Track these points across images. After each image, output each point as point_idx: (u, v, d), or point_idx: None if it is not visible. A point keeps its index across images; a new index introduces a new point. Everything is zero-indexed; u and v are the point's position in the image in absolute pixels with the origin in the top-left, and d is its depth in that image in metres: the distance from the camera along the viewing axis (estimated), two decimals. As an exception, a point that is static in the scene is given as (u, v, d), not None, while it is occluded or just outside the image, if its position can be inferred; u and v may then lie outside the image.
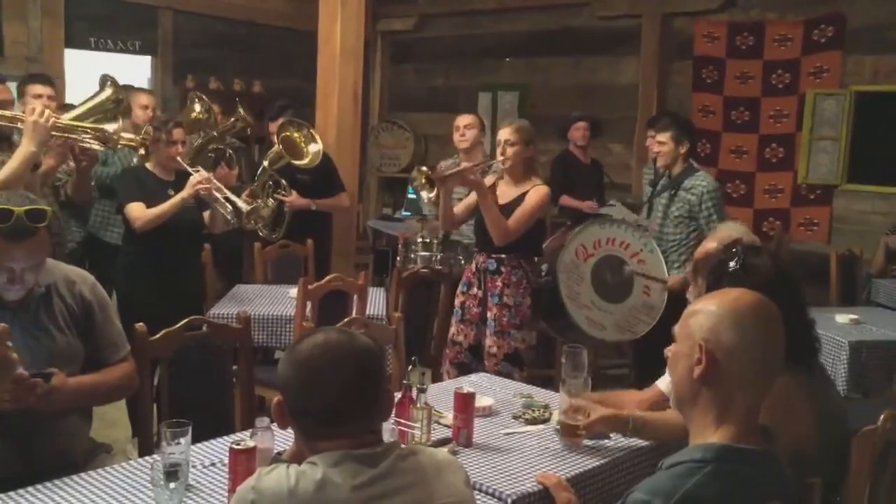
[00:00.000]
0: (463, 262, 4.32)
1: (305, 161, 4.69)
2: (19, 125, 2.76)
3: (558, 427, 2.31)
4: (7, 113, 2.95)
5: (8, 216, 2.06)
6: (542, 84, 7.15)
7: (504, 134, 3.76)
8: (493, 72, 7.47)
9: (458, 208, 3.97)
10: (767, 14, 6.09)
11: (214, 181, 3.78)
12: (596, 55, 6.80)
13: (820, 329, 3.88)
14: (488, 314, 3.79)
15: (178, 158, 3.79)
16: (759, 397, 1.49)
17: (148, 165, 3.79)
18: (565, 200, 5.63)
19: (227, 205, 3.79)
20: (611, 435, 2.36)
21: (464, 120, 4.75)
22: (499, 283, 3.77)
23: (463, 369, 3.80)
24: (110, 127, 2.98)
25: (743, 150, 6.24)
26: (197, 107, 4.55)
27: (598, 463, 2.18)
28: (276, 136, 4.70)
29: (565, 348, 2.48)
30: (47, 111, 2.72)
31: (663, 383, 2.43)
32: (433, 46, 7.90)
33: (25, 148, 2.67)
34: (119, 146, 3.25)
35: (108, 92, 3.68)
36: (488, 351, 3.77)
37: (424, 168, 3.77)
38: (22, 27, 5.94)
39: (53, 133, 2.73)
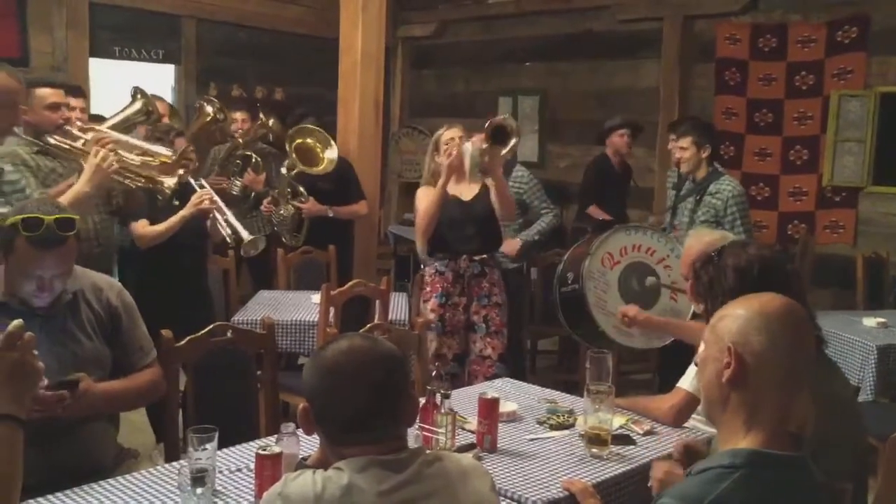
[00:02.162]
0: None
1: (320, 168, 4.70)
2: (81, 160, 2.80)
3: (583, 433, 2.30)
4: (76, 145, 2.99)
5: (38, 225, 2.09)
6: (562, 88, 7.13)
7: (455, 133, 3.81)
8: (513, 76, 7.47)
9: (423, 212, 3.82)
10: (790, 16, 6.03)
11: (218, 201, 3.77)
12: (617, 58, 6.77)
13: (847, 332, 3.88)
14: (475, 318, 3.77)
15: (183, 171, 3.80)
16: (788, 402, 1.47)
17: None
18: (594, 211, 5.57)
19: (227, 227, 3.78)
20: (637, 440, 2.34)
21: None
22: (485, 285, 3.77)
23: (453, 381, 3.75)
24: (168, 180, 3.02)
25: (767, 152, 6.19)
26: (208, 109, 4.58)
27: (624, 469, 2.17)
28: (288, 144, 4.73)
29: (590, 354, 2.48)
30: (112, 156, 2.75)
31: (686, 383, 2.41)
32: (453, 52, 7.91)
33: (80, 187, 2.71)
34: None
35: (138, 105, 3.73)
36: (481, 354, 3.74)
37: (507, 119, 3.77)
38: (47, 38, 6.02)
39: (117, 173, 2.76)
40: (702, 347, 1.57)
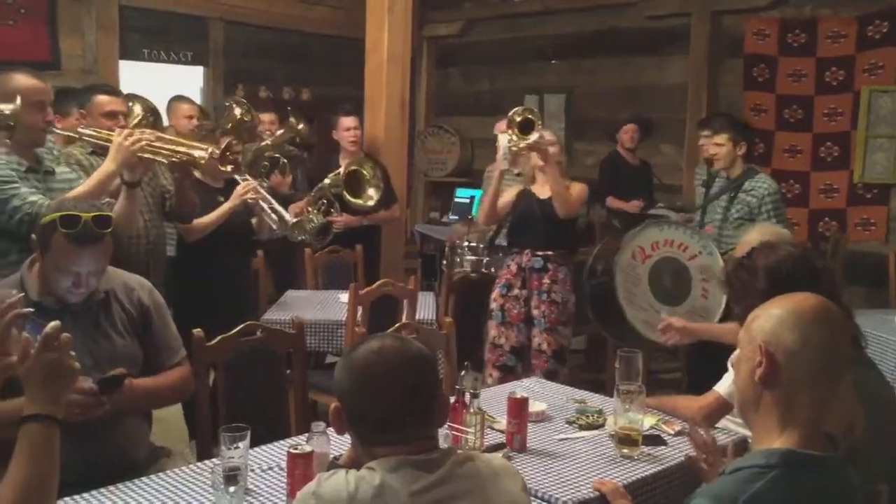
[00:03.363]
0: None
1: (357, 203, 4.63)
2: (107, 144, 2.85)
3: (614, 433, 2.29)
4: (99, 133, 3.03)
5: (76, 222, 2.13)
6: (588, 86, 7.10)
7: (546, 134, 3.93)
8: (538, 74, 7.45)
9: (500, 204, 4.02)
10: (820, 10, 5.96)
11: (261, 190, 3.83)
12: (644, 55, 6.73)
13: (879, 331, 3.83)
14: (535, 312, 3.82)
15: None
16: (823, 402, 1.46)
17: (197, 174, 3.86)
18: (612, 202, 5.59)
19: (273, 214, 3.84)
20: (668, 441, 2.33)
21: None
22: (546, 281, 3.80)
23: (506, 371, 3.83)
24: (197, 152, 3.04)
25: (797, 149, 6.12)
26: (237, 111, 4.61)
27: (655, 469, 2.16)
28: (352, 132, 4.73)
29: (619, 353, 2.47)
30: (136, 134, 2.79)
31: (722, 388, 2.39)
32: (478, 50, 7.91)
33: (106, 166, 2.75)
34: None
35: (136, 109, 3.79)
36: (538, 349, 3.79)
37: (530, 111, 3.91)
38: (78, 40, 6.09)
39: (141, 155, 2.78)
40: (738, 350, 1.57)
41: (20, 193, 2.63)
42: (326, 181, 4.78)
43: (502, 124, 3.99)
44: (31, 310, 1.65)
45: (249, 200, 3.74)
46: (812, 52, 5.99)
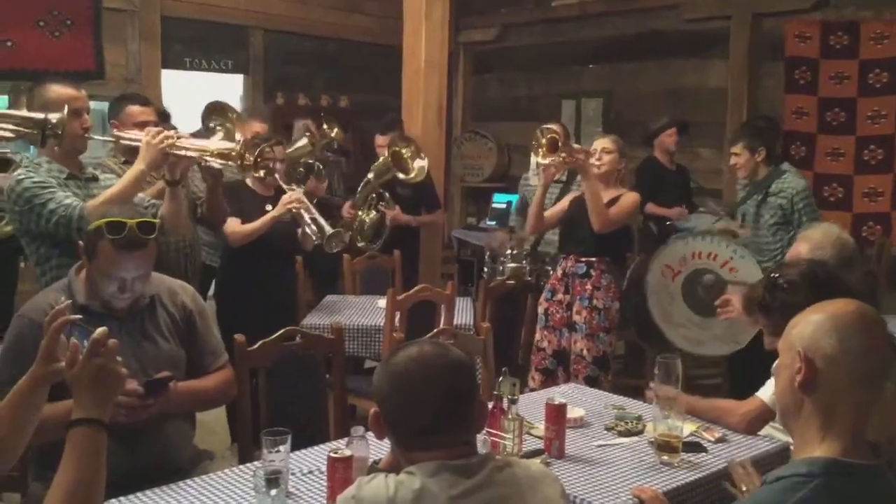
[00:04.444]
0: (551, 271, 4.29)
1: (411, 176, 4.78)
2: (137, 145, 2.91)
3: (653, 440, 2.28)
4: (130, 135, 3.10)
5: (121, 228, 2.17)
6: (627, 90, 7.05)
7: (602, 143, 3.89)
8: (575, 79, 7.42)
9: (547, 214, 4.01)
10: (862, 12, 5.86)
11: (306, 201, 3.89)
12: (683, 58, 6.67)
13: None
14: (577, 318, 3.81)
15: (277, 176, 3.92)
16: (864, 409, 1.45)
17: (247, 180, 3.92)
18: (652, 208, 5.54)
19: (313, 225, 3.89)
20: (708, 448, 2.31)
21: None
22: (588, 287, 3.79)
23: (548, 375, 3.85)
24: (227, 145, 3.09)
25: (840, 152, 6.02)
26: (304, 140, 4.67)
27: (695, 477, 2.14)
28: (385, 150, 4.81)
29: (658, 358, 2.45)
30: (163, 133, 2.84)
31: (765, 395, 2.36)
32: (515, 56, 7.90)
33: (136, 167, 2.80)
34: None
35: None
36: (578, 354, 3.78)
37: (553, 127, 3.92)
38: (121, 50, 6.22)
39: (171, 154, 2.84)
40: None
41: (56, 197, 2.69)
42: (370, 175, 4.84)
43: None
44: (80, 316, 1.69)
45: (293, 210, 3.81)
46: (855, 55, 5.89)
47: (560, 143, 3.80)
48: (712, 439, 2.37)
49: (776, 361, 1.57)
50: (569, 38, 7.41)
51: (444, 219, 6.11)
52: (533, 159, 3.98)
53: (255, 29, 6.94)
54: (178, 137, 2.90)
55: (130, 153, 3.37)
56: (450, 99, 6.21)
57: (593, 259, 3.82)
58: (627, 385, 4.27)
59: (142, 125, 3.31)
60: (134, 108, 3.39)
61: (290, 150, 4.34)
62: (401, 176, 4.75)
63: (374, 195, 4.86)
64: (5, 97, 5.24)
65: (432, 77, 5.07)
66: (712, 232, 4.16)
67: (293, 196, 3.83)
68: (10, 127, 2.64)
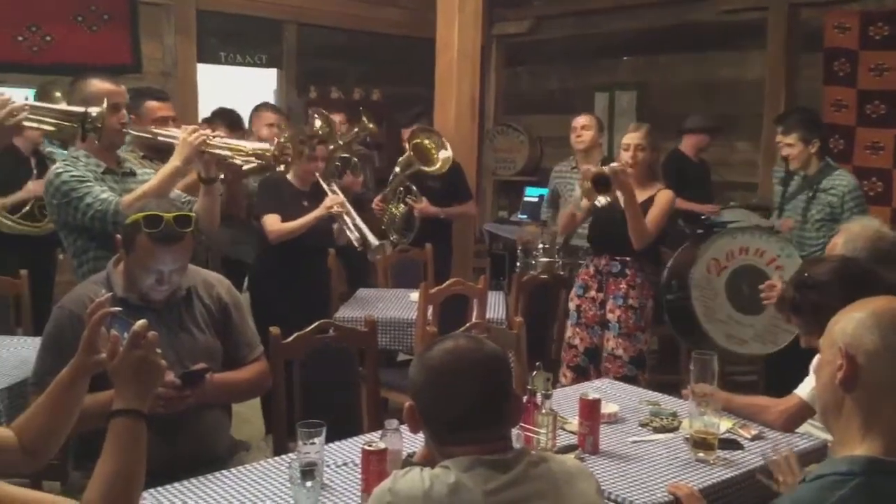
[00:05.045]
0: (583, 265, 4.26)
1: (435, 168, 4.79)
2: (174, 141, 2.94)
3: (689, 436, 2.26)
4: (168, 131, 3.14)
5: (158, 222, 2.20)
6: (661, 82, 6.98)
7: (634, 138, 3.74)
8: (609, 71, 7.36)
9: (578, 214, 3.96)
10: (904, 1, 5.75)
11: (347, 205, 3.93)
12: (719, 50, 6.59)
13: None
14: (610, 316, 3.77)
15: (318, 175, 3.96)
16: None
17: (288, 176, 3.95)
18: (682, 204, 5.48)
19: (355, 231, 3.93)
20: (745, 445, 2.29)
21: (581, 120, 4.71)
22: (623, 286, 3.74)
23: (579, 372, 3.81)
24: (262, 145, 3.12)
25: (879, 145, 5.90)
26: (317, 122, 4.70)
27: (732, 474, 2.12)
28: (407, 143, 4.82)
29: (694, 355, 2.43)
30: (199, 131, 2.87)
31: (803, 391, 2.33)
32: (548, 48, 7.86)
33: (171, 162, 2.84)
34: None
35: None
36: (612, 353, 3.74)
37: (599, 169, 3.61)
38: (158, 45, 6.29)
39: (206, 151, 2.87)
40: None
41: (93, 191, 2.72)
42: (397, 169, 4.87)
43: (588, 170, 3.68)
44: (120, 308, 1.71)
45: (334, 213, 3.84)
46: (895, 45, 5.77)
47: (613, 172, 3.52)
48: (749, 436, 2.35)
49: (816, 358, 1.55)
50: (602, 30, 7.36)
51: (477, 210, 6.10)
52: (577, 190, 3.76)
53: (289, 23, 6.98)
54: (214, 136, 2.93)
55: (149, 148, 3.41)
56: (482, 92, 6.20)
57: (627, 258, 3.76)
58: (662, 381, 4.23)
59: (161, 121, 3.34)
60: (153, 104, 3.42)
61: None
62: (425, 168, 4.76)
63: (401, 188, 4.88)
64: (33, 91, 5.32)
65: (465, 70, 5.06)
66: (760, 227, 4.10)
67: (336, 200, 3.88)
68: (51, 121, 2.67)
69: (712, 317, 3.75)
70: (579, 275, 3.97)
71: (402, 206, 4.90)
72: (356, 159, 5.05)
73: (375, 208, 4.93)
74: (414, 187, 4.88)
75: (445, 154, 4.80)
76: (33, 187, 4.24)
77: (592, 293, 3.83)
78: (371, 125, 5.06)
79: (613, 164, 3.59)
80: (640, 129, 3.78)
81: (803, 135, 4.15)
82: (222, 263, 4.62)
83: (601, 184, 3.50)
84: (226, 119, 4.74)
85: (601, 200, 3.54)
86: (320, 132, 4.57)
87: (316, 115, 4.75)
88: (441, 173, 4.78)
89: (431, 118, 5.21)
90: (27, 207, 4.33)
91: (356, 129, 5.06)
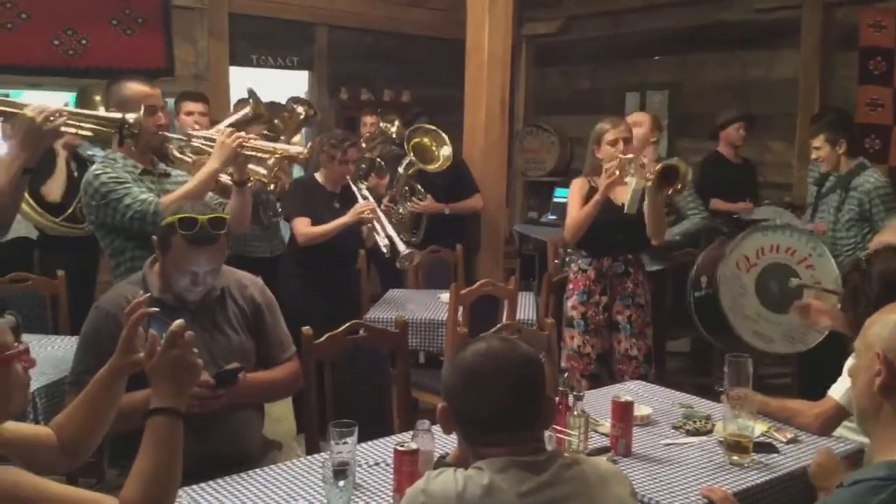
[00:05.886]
0: (578, 271, 3.89)
1: (436, 165, 4.87)
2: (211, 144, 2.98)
3: (723, 440, 2.24)
4: (204, 133, 3.18)
5: (193, 224, 2.23)
6: (693, 82, 6.92)
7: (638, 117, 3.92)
8: (640, 71, 7.31)
9: (580, 216, 3.68)
10: (941, -2, 5.65)
11: (378, 212, 3.96)
12: (752, 49, 6.52)
13: None
14: (619, 318, 3.71)
15: (348, 177, 3.99)
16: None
17: (317, 177, 3.98)
18: (717, 203, 5.43)
19: (385, 239, 3.95)
20: (780, 449, 2.26)
21: (633, 117, 4.51)
22: (629, 285, 3.71)
23: (595, 381, 3.67)
24: (294, 149, 3.16)
25: (917, 145, 5.81)
26: (300, 110, 4.73)
27: (768, 478, 2.09)
28: (406, 144, 4.89)
29: (728, 358, 2.40)
30: (236, 134, 2.91)
31: (838, 394, 2.30)
32: (578, 48, 7.82)
33: (210, 165, 2.87)
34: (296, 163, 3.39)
35: (247, 109, 3.96)
36: (626, 355, 3.68)
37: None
38: (190, 48, 6.35)
39: (244, 153, 2.90)
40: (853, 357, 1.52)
41: (131, 192, 2.77)
42: (400, 169, 4.92)
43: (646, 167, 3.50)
44: (157, 309, 1.74)
45: (365, 219, 3.87)
46: (933, 43, 5.68)
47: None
48: (784, 440, 2.32)
49: (851, 362, 1.53)
50: (633, 30, 7.31)
51: (507, 213, 6.10)
52: (631, 182, 3.51)
53: (319, 25, 7.01)
54: (249, 138, 2.97)
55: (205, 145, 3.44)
56: (512, 92, 6.19)
57: (629, 257, 3.73)
58: (694, 383, 4.20)
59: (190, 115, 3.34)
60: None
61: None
62: (425, 167, 4.85)
63: (406, 188, 4.94)
64: (73, 94, 5.40)
65: (495, 71, 5.06)
66: (792, 225, 4.06)
67: (367, 206, 3.91)
68: (89, 126, 2.72)
69: (740, 313, 3.71)
70: (575, 281, 3.77)
71: (408, 205, 4.96)
72: (380, 161, 5.09)
73: (383, 209, 4.99)
74: (419, 186, 4.93)
75: (446, 151, 4.88)
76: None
77: (596, 297, 3.72)
78: (393, 130, 5.13)
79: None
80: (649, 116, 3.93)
81: (829, 136, 4.13)
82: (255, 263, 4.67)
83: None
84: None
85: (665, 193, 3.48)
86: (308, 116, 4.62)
87: (297, 104, 4.80)
88: (443, 170, 4.85)
89: (431, 118, 5.30)
90: (70, 210, 4.41)
91: (378, 131, 5.13)
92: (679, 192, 3.56)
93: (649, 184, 3.44)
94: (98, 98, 3.93)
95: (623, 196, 3.62)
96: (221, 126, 3.54)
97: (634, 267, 3.75)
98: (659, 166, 3.46)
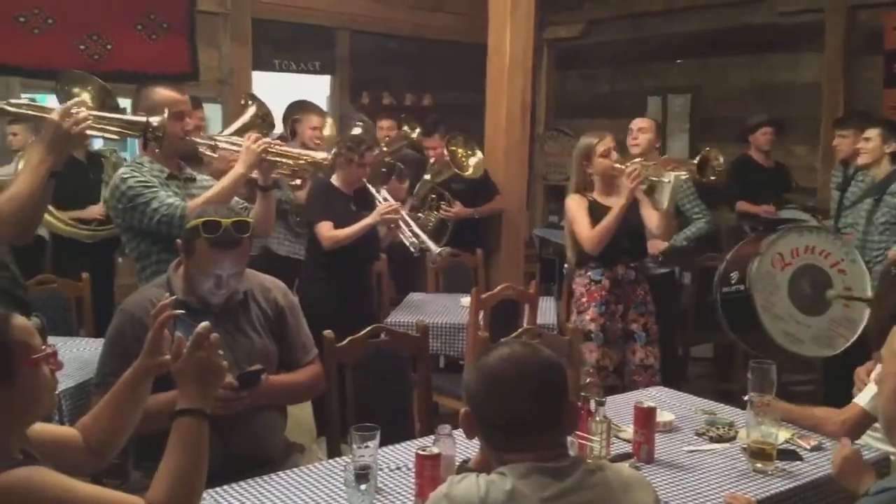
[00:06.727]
0: (590, 284, 3.81)
1: (469, 172, 4.96)
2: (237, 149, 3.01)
3: (746, 447, 2.22)
4: (231, 139, 3.21)
5: (217, 227, 2.25)
6: (715, 85, 6.89)
7: (639, 122, 4.02)
8: (662, 75, 7.28)
9: (595, 232, 3.62)
10: (966, 1, 5.58)
11: (402, 212, 3.97)
12: (776, 52, 6.47)
13: None
14: (634, 326, 3.66)
15: (365, 180, 4.01)
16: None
17: (334, 180, 4.00)
18: (743, 206, 5.40)
19: (413, 238, 3.97)
20: (804, 456, 2.24)
21: (638, 123, 4.59)
22: (641, 292, 3.69)
23: (612, 393, 3.61)
24: (319, 155, 3.19)
25: (943, 149, 5.74)
26: (357, 129, 4.78)
27: (792, 485, 2.08)
28: (434, 151, 4.95)
29: (752, 364, 2.39)
30: (262, 139, 2.94)
31: (863, 401, 2.28)
32: (599, 52, 7.80)
33: (236, 169, 2.90)
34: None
35: (252, 110, 4.01)
36: (642, 364, 3.63)
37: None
38: (214, 53, 6.40)
39: (269, 158, 2.93)
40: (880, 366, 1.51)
41: (158, 196, 2.79)
42: (427, 176, 4.96)
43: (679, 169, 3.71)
44: (183, 311, 1.75)
45: (389, 220, 3.89)
46: (959, 47, 5.61)
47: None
48: (808, 447, 2.30)
49: (878, 370, 1.52)
50: (654, 34, 7.29)
51: (528, 215, 6.11)
52: (670, 177, 3.55)
53: (341, 30, 7.05)
54: (274, 144, 3.00)
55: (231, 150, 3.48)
56: (533, 96, 6.19)
57: (637, 263, 3.73)
58: (717, 389, 4.17)
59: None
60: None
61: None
62: (460, 173, 4.95)
63: (433, 196, 4.98)
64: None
65: (516, 75, 5.06)
66: (828, 228, 4.03)
67: (391, 208, 3.91)
68: (114, 129, 2.75)
69: (771, 311, 3.66)
70: (589, 294, 3.66)
71: (435, 213, 5.02)
72: (401, 165, 5.12)
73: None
74: (446, 193, 4.98)
75: (476, 159, 4.99)
76: (97, 209, 4.48)
77: (613, 307, 3.64)
78: (413, 134, 5.17)
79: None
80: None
81: (885, 133, 4.08)
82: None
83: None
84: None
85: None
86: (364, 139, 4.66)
87: (356, 124, 4.91)
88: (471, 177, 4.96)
89: (449, 125, 5.39)
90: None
91: (397, 135, 5.17)
92: (721, 177, 3.75)
93: (684, 175, 3.55)
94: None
95: (619, 202, 3.58)
96: (231, 129, 3.59)
97: (642, 274, 3.75)
98: (698, 156, 3.72)
